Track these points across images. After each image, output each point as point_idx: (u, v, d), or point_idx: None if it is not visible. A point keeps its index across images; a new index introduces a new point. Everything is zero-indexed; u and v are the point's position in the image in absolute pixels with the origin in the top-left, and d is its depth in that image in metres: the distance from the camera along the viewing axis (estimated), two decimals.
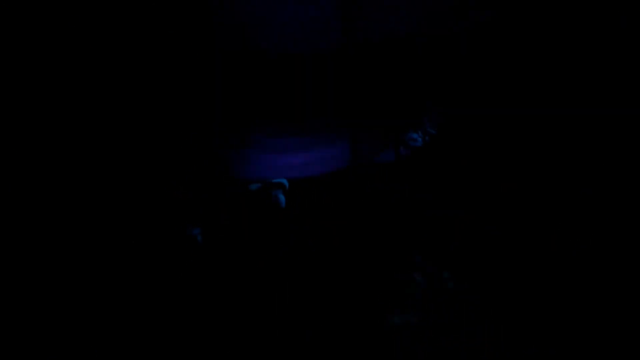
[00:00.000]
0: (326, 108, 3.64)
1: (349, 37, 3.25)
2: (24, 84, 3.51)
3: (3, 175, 3.49)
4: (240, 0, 3.40)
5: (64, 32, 3.50)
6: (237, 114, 3.75)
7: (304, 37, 3.44)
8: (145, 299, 3.53)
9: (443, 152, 3.59)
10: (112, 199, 3.64)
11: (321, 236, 3.67)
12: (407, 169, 3.62)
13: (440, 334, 3.27)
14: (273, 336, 3.34)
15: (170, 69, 3.72)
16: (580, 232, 3.06)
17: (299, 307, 3.48)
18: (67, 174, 3.58)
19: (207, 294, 3.55)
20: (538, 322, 3.03)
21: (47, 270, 3.46)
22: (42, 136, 3.55)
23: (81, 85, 3.62)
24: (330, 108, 3.64)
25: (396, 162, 3.59)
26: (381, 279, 3.49)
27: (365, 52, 3.41)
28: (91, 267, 3.53)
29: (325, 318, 3.44)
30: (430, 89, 3.51)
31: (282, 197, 3.84)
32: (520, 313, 3.09)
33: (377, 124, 3.60)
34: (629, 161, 3.13)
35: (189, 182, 3.82)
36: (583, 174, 3.21)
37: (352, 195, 3.56)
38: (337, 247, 3.63)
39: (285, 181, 3.80)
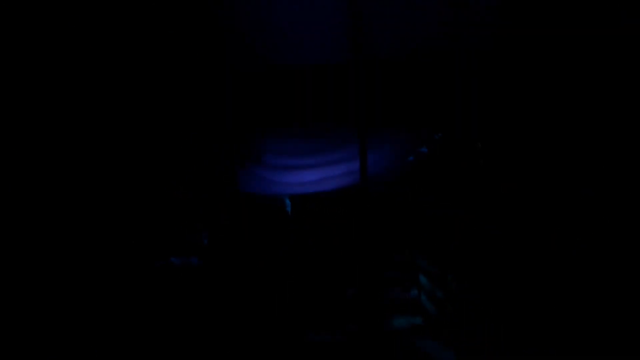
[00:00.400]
0: (327, 118, 3.70)
1: (355, 53, 3.31)
2: (42, 87, 3.51)
3: (3, 175, 3.47)
4: (252, 16, 3.46)
5: (78, 38, 3.50)
6: (247, 126, 3.77)
7: (312, 51, 3.51)
8: (145, 297, 3.53)
9: (445, 157, 3.60)
10: (113, 199, 3.63)
11: (324, 237, 3.68)
12: (411, 174, 3.64)
13: (442, 333, 3.29)
14: (274, 335, 3.35)
15: (177, 76, 3.72)
16: (580, 232, 3.07)
17: (300, 306, 3.49)
18: (69, 174, 3.57)
19: (207, 293, 3.55)
20: (538, 321, 3.05)
21: (50, 270, 3.46)
22: (43, 136, 3.54)
23: (85, 87, 3.61)
24: (331, 118, 3.69)
25: (402, 169, 3.61)
26: (384, 279, 3.51)
27: (372, 68, 3.47)
28: (92, 266, 3.52)
29: (328, 317, 3.45)
30: (434, 102, 3.54)
31: (288, 201, 3.88)
32: (520, 312, 3.10)
33: (387, 135, 3.62)
34: (629, 161, 3.14)
35: (189, 182, 3.81)
36: (583, 174, 3.22)
37: (356, 199, 3.56)
38: (340, 247, 3.64)
39: None
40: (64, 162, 3.56)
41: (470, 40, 3.40)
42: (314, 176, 3.70)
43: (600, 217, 3.07)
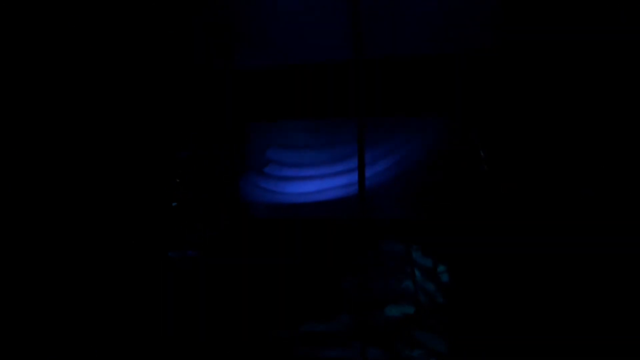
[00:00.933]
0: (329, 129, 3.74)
1: (357, 52, 3.33)
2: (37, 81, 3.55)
3: (3, 175, 3.51)
4: (255, 15, 3.51)
5: (76, 37, 3.54)
6: (248, 131, 3.81)
7: (317, 50, 3.54)
8: (143, 295, 3.55)
9: (444, 158, 3.60)
10: (112, 198, 3.66)
11: (320, 234, 3.68)
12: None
13: (433, 323, 3.31)
14: (268, 326, 3.38)
15: (177, 76, 3.76)
16: (580, 232, 3.05)
17: (295, 298, 3.51)
18: (68, 175, 3.61)
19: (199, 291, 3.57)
20: (533, 318, 3.03)
21: (49, 270, 3.49)
22: (45, 134, 3.58)
23: (84, 87, 3.65)
24: (332, 128, 3.73)
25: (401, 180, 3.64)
26: (379, 272, 3.52)
27: (373, 67, 3.49)
28: (90, 265, 3.55)
29: (323, 308, 3.46)
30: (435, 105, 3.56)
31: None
32: (516, 311, 3.08)
33: (387, 147, 3.65)
34: (629, 162, 3.12)
35: (189, 182, 3.83)
36: (584, 174, 3.20)
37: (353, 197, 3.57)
38: (334, 241, 3.64)
39: None
40: (64, 162, 3.60)
41: (471, 41, 3.40)
42: (314, 187, 3.75)
43: (600, 216, 3.04)
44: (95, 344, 3.34)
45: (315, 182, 3.76)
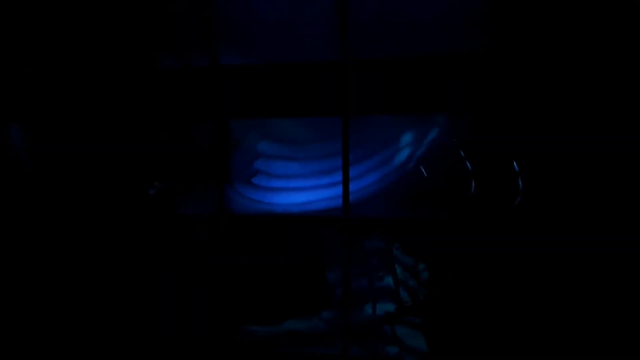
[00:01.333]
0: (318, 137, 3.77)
1: (344, 52, 3.34)
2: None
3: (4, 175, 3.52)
4: (246, 14, 3.52)
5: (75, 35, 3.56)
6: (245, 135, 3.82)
7: (303, 49, 3.55)
8: (143, 295, 3.56)
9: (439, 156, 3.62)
10: (112, 198, 3.67)
11: (309, 234, 3.70)
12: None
13: (413, 320, 3.35)
14: (251, 322, 3.40)
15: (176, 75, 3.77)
16: (579, 232, 3.07)
17: (278, 294, 3.53)
18: (68, 177, 3.61)
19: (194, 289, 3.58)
20: (516, 317, 3.05)
21: (50, 271, 3.49)
22: (45, 132, 3.59)
23: (83, 87, 3.66)
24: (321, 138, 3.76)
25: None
26: (362, 268, 3.56)
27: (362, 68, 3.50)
28: (91, 265, 3.55)
29: (305, 305, 3.49)
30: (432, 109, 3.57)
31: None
32: (497, 309, 3.11)
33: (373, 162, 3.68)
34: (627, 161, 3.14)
35: (189, 181, 3.85)
36: (581, 173, 3.22)
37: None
38: (322, 241, 3.66)
39: None
40: (63, 164, 3.61)
41: (469, 41, 3.42)
42: (300, 198, 3.78)
43: (599, 216, 3.06)
44: (95, 344, 3.35)
45: (303, 193, 3.78)
